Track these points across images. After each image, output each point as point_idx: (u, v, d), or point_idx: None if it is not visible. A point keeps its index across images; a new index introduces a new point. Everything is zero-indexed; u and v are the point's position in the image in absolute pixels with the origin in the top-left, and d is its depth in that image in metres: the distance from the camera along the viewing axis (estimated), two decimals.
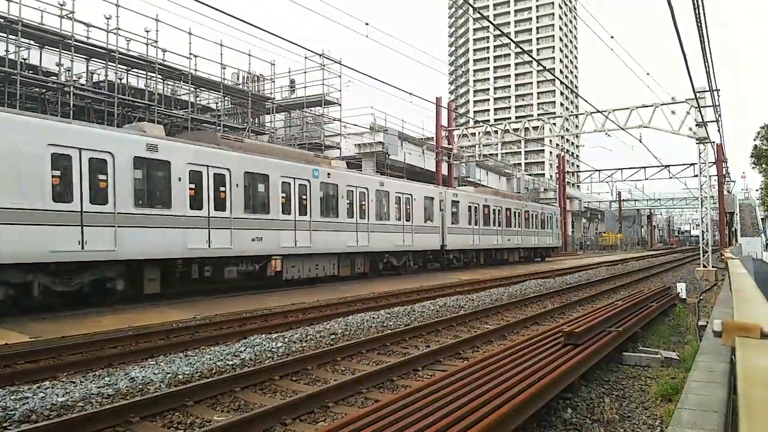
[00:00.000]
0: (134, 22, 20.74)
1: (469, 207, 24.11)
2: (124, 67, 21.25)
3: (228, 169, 13.16)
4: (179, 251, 11.96)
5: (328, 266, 16.33)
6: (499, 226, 26.70)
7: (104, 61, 20.15)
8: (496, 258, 26.99)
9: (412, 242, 19.97)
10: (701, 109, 22.36)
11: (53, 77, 18.98)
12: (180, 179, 12.04)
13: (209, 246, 12.55)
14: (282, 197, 14.63)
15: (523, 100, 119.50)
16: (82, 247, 10.07)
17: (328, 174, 16.31)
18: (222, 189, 13.00)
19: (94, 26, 20.02)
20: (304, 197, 15.35)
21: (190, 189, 12.31)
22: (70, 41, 18.29)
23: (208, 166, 12.70)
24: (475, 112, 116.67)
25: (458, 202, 23.30)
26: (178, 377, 5.86)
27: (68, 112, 17.60)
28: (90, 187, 10.30)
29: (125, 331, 8.81)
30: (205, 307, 11.53)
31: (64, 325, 9.12)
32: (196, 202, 12.37)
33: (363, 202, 17.62)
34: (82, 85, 20.13)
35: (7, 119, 9.68)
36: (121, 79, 20.94)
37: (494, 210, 26.30)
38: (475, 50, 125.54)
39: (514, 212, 28.40)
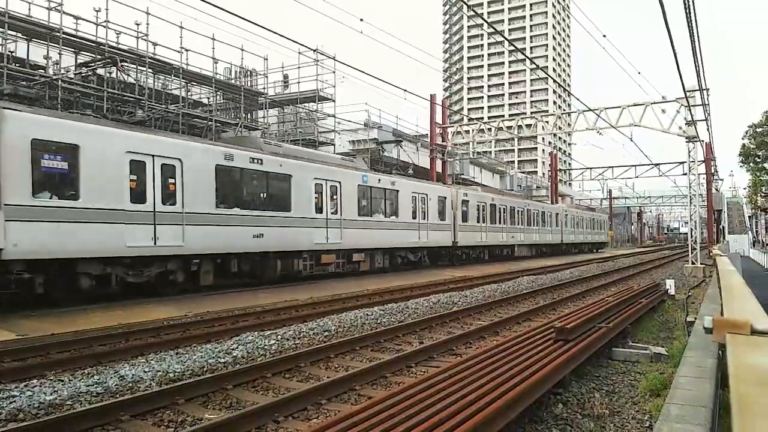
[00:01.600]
0: (124, 15, 20.54)
1: (572, 217, 40.33)
2: None
3: (493, 204, 27.34)
4: (499, 242, 27.79)
5: (528, 251, 32.71)
6: (581, 228, 42.54)
7: (93, 55, 19.89)
8: (577, 249, 42.65)
9: (551, 239, 35.53)
10: (691, 107, 22.55)
11: (41, 71, 18.70)
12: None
13: (504, 240, 28.16)
14: (518, 217, 29.93)
15: (516, 98, 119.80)
16: (481, 239, 25.71)
17: (529, 203, 32.62)
18: (501, 215, 27.75)
19: (83, 19, 19.76)
20: (522, 216, 30.55)
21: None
22: (58, 34, 18.02)
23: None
24: (469, 109, 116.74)
25: (567, 214, 39.37)
26: (169, 375, 5.82)
27: (56, 106, 17.37)
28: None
29: (115, 329, 8.73)
30: (197, 304, 11.45)
31: (52, 323, 9.02)
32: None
33: (541, 218, 33.45)
34: (71, 78, 19.86)
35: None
36: (110, 73, 20.69)
37: (581, 218, 42.67)
38: (469, 48, 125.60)
39: (587, 219, 44.45)
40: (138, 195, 10.98)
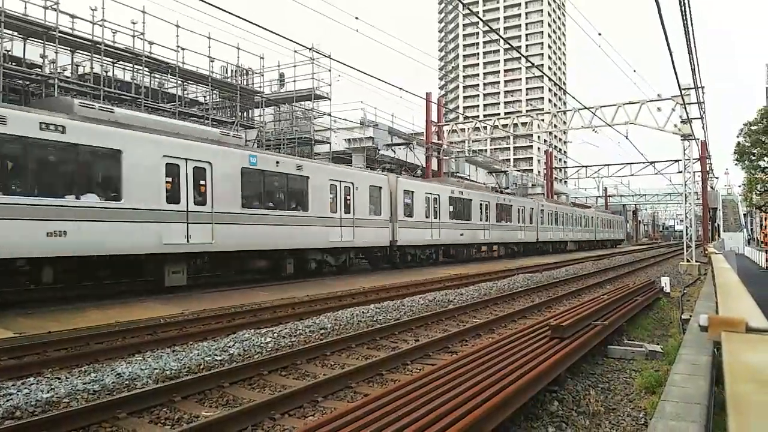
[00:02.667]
0: (120, 13, 20.48)
1: (601, 218, 49.18)
2: (110, 60, 20.89)
3: (556, 211, 36.58)
4: (559, 239, 37.85)
5: (574, 246, 41.27)
6: (606, 228, 51.35)
7: (90, 53, 19.79)
8: (602, 245, 50.27)
9: (588, 236, 44.65)
10: (686, 106, 22.64)
11: (37, 69, 18.60)
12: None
13: (561, 237, 37.81)
14: (569, 220, 39.05)
15: (512, 96, 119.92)
16: (550, 237, 36.48)
17: (575, 210, 41.85)
18: (559, 218, 36.92)
19: (79, 18, 19.64)
20: (570, 219, 39.29)
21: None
22: (54, 33, 17.91)
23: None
24: (464, 107, 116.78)
25: (597, 217, 48.27)
26: (166, 373, 5.82)
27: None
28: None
29: (111, 327, 8.71)
30: (193, 302, 11.44)
31: (48, 321, 8.99)
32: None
33: (582, 220, 42.47)
34: (67, 77, 19.74)
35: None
36: (107, 72, 20.58)
37: (606, 219, 51.80)
38: (464, 46, 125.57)
39: (609, 220, 53.47)
40: (427, 214, 21.45)
